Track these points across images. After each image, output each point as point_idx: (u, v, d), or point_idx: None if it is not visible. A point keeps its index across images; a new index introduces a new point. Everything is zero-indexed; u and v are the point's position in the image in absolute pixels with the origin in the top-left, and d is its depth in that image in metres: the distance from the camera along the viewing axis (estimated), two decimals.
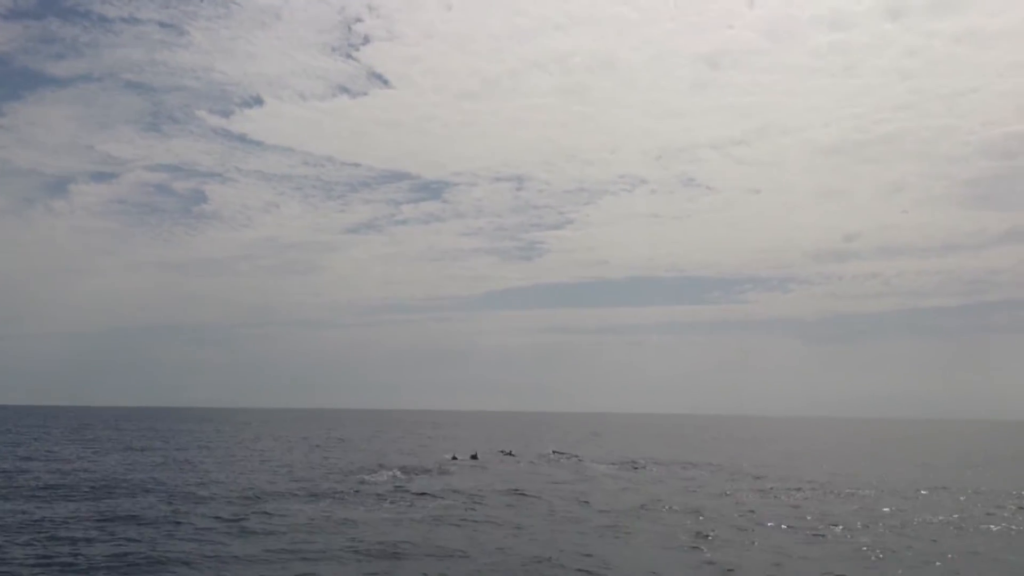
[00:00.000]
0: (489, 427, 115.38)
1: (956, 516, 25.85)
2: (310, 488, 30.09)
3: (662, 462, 46.78)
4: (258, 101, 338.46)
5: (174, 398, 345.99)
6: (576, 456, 50.34)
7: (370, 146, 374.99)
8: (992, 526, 24.06)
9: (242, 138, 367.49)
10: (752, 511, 26.17)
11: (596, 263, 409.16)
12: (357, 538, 20.43)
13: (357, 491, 29.55)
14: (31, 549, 18.81)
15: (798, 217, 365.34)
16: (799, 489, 32.88)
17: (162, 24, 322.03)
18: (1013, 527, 23.96)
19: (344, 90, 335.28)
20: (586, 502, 27.77)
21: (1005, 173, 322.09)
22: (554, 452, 53.20)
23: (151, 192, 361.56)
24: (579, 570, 17.53)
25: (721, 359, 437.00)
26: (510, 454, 50.75)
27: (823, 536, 21.88)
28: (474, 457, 46.90)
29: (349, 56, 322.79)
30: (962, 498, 30.91)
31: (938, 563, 18.70)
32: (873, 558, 19.08)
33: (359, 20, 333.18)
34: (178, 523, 22.41)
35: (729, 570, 17.72)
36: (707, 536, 21.51)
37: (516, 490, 30.72)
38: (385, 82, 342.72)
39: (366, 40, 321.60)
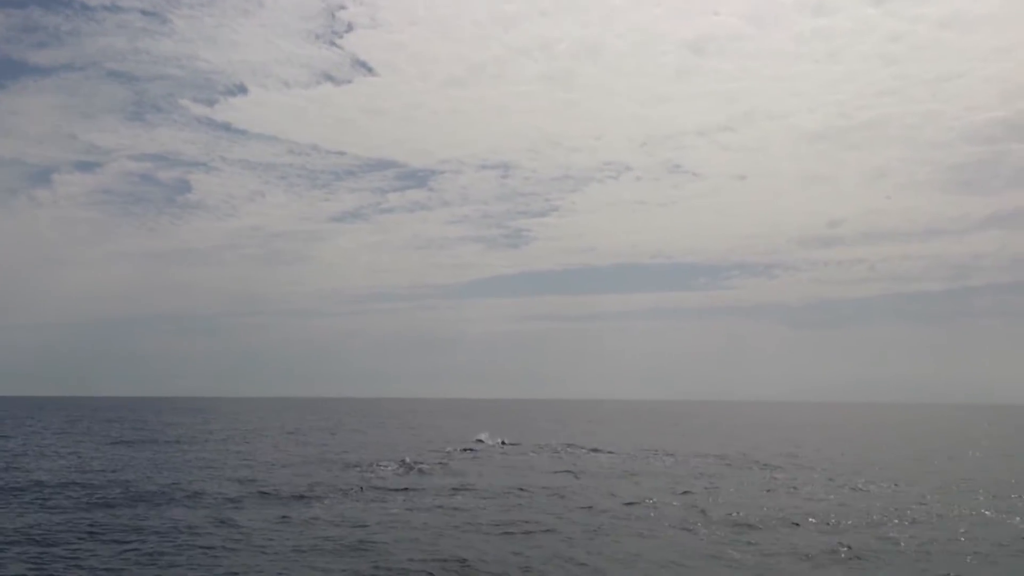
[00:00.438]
0: (482, 416, 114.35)
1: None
2: (336, 483, 28.86)
3: (682, 453, 45.27)
4: (242, 89, 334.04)
5: (160, 388, 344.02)
6: (593, 448, 46.99)
7: (355, 134, 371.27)
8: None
9: (226, 127, 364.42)
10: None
11: (582, 250, 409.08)
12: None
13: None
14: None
15: (783, 203, 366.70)
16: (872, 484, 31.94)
17: (145, 12, 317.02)
18: None
19: (328, 78, 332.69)
20: (702, 511, 23.88)
21: (988, 158, 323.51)
22: (568, 446, 50.89)
23: (135, 182, 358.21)
24: None
25: (707, 345, 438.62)
26: (512, 444, 49.70)
27: None
28: (504, 443, 48.50)
29: (333, 44, 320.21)
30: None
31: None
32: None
33: (343, 7, 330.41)
34: (222, 522, 21.30)
35: None
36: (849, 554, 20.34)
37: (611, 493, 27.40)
38: (369, 70, 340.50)
39: (350, 27, 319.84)
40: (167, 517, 21.94)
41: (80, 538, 19.26)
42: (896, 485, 30.35)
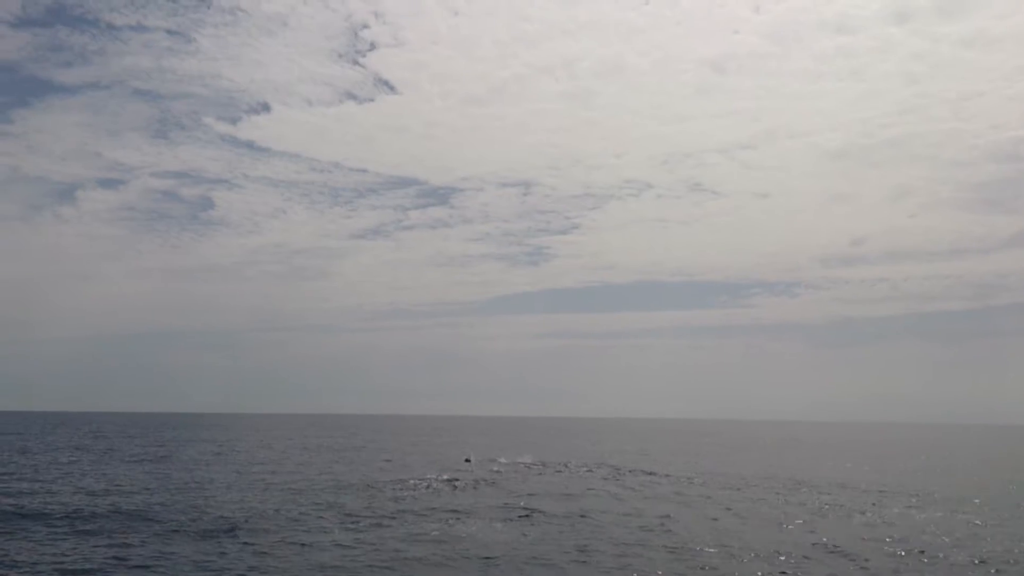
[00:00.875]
0: (507, 433, 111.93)
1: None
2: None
3: (750, 477, 42.54)
4: (265, 108, 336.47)
5: (181, 404, 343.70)
6: (652, 472, 43.59)
7: (377, 152, 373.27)
8: None
9: (249, 144, 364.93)
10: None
11: (603, 268, 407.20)
12: None
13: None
14: None
15: (805, 221, 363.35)
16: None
17: (170, 32, 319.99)
18: None
19: (351, 96, 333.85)
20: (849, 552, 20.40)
21: (1012, 177, 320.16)
22: (625, 469, 46.53)
23: (158, 198, 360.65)
24: None
25: (728, 363, 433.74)
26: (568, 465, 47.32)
27: None
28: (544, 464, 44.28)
29: (356, 62, 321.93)
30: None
31: None
32: None
33: (366, 27, 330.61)
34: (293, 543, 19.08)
35: None
36: None
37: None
38: (392, 88, 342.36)
39: (372, 46, 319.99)
40: (198, 548, 19.91)
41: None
42: None
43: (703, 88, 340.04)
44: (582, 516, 25.97)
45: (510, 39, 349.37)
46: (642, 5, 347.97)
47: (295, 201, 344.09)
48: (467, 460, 47.33)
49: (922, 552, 20.45)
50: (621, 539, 22.00)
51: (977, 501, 31.57)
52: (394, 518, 24.79)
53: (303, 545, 20.31)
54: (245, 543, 20.41)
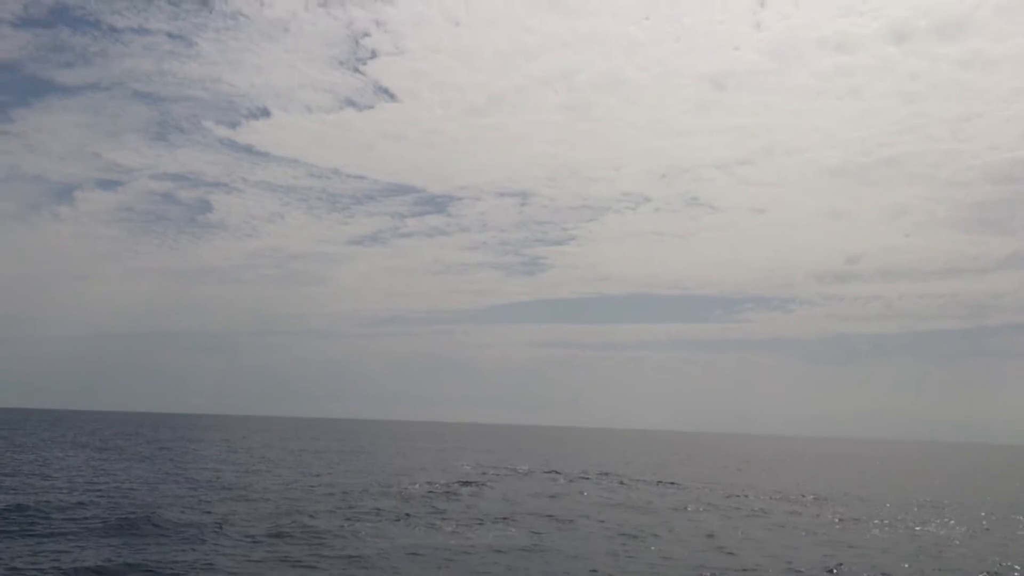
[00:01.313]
0: (505, 441, 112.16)
1: None
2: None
3: (759, 490, 42.22)
4: (265, 113, 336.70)
5: (176, 404, 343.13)
6: (674, 483, 43.55)
7: (375, 159, 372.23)
8: None
9: (248, 149, 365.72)
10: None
11: (599, 279, 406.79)
12: None
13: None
14: None
15: (801, 238, 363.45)
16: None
17: (171, 35, 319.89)
18: None
19: (351, 103, 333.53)
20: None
21: (1008, 198, 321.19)
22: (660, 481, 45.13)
23: (157, 200, 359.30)
24: None
25: (721, 377, 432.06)
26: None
27: None
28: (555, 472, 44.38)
29: (356, 70, 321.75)
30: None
31: None
32: None
33: (367, 35, 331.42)
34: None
35: None
36: None
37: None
38: (392, 96, 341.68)
39: (373, 54, 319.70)
40: (196, 549, 20.23)
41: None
42: None
43: (702, 103, 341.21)
44: (570, 520, 26.50)
45: (511, 50, 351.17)
46: (643, 20, 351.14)
47: (293, 206, 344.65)
48: (462, 466, 47.64)
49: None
50: (608, 549, 22.35)
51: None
52: (398, 521, 25.17)
53: (301, 545, 20.67)
54: (243, 543, 20.72)
